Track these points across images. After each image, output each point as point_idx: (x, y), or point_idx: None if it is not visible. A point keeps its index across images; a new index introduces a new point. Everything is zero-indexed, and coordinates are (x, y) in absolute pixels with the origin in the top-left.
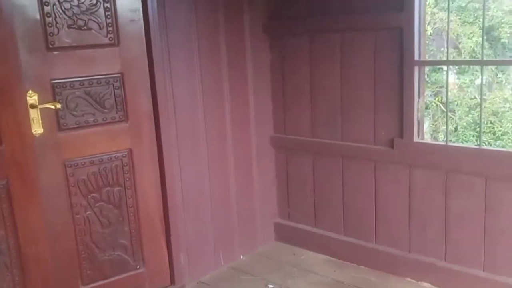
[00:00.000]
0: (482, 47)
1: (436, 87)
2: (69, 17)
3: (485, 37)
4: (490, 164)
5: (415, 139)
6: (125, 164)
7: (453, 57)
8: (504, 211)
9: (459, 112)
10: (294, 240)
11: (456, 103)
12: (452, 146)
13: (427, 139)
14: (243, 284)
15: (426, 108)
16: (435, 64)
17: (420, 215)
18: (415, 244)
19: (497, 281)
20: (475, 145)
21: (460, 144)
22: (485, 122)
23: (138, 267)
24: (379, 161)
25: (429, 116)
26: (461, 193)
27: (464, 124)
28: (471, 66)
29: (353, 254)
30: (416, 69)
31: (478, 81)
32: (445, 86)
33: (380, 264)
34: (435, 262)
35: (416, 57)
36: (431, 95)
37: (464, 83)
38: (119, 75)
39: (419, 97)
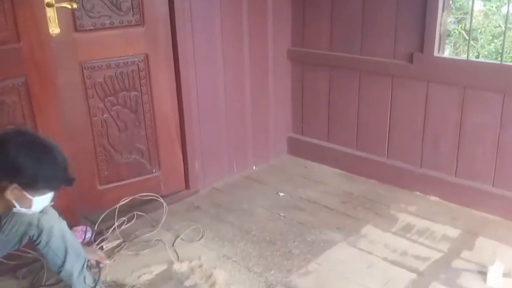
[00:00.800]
0: None
1: (460, 13)
2: None
3: None
4: (509, 80)
5: (436, 53)
6: (141, 69)
7: None
8: None
9: (482, 40)
10: (306, 154)
11: (479, 30)
12: (472, 61)
13: (447, 54)
14: (255, 191)
15: (448, 35)
16: None
17: (434, 131)
18: (427, 159)
19: (505, 196)
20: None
21: (481, 60)
22: (507, 51)
23: (154, 171)
24: (397, 76)
25: (451, 44)
26: (478, 109)
27: (486, 53)
28: None
29: (364, 168)
30: None
31: (504, 9)
32: (469, 12)
33: (390, 178)
34: (445, 177)
35: None
36: (454, 22)
37: (490, 10)
38: None
39: (443, 11)
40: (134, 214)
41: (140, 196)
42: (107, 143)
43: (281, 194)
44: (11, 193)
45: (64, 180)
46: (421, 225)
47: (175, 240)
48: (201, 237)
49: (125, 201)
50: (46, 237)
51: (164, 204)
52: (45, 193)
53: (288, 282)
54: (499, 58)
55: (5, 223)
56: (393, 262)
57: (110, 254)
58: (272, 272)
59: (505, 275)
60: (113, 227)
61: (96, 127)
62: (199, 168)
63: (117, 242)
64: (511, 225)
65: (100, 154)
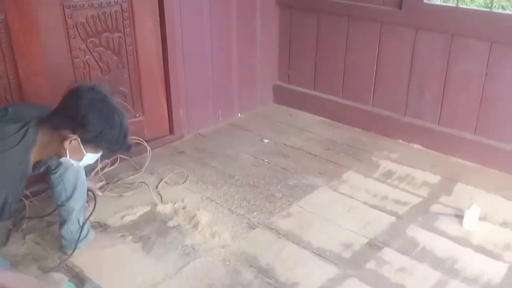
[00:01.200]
0: None
1: None
2: None
3: None
4: (498, 27)
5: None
6: (125, 10)
7: None
8: (504, 77)
9: None
10: (292, 103)
11: None
12: (461, 8)
13: (437, 1)
14: (239, 138)
15: None
16: None
17: (420, 79)
18: (411, 108)
19: (486, 143)
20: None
21: (471, 7)
22: (496, 6)
23: (137, 115)
24: (385, 22)
25: None
26: (464, 57)
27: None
28: None
29: (349, 116)
30: None
31: None
32: None
33: (375, 126)
34: (429, 125)
35: None
36: None
37: None
38: None
39: None
40: (117, 157)
41: None
42: None
43: (266, 141)
44: (70, 143)
45: (122, 145)
46: (402, 172)
47: (158, 183)
48: (185, 181)
49: None
50: (63, 169)
51: (148, 148)
52: (99, 152)
53: (270, 224)
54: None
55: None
56: (373, 206)
57: (97, 201)
58: (255, 214)
59: (481, 218)
60: (96, 169)
61: (78, 69)
62: (184, 114)
63: (100, 184)
64: (489, 171)
65: None
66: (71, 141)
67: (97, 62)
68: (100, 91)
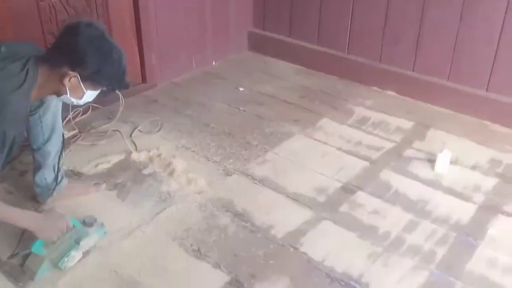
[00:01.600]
0: None
1: None
2: None
3: None
4: None
5: None
6: None
7: None
8: (479, 21)
9: None
10: (267, 50)
11: None
12: None
13: None
14: (214, 86)
15: None
16: None
17: (395, 26)
18: (386, 55)
19: (459, 90)
20: None
21: None
22: None
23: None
24: None
25: None
26: (439, 3)
27: None
28: None
29: (324, 63)
30: None
31: None
32: None
33: (349, 73)
34: (403, 72)
35: None
36: None
37: None
38: None
39: None
40: (89, 106)
41: None
42: (57, 30)
43: (241, 89)
44: (70, 81)
45: (121, 82)
46: (377, 118)
47: (132, 132)
48: (159, 129)
49: None
50: (43, 111)
51: (121, 96)
52: (98, 89)
53: (246, 170)
54: None
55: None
56: (347, 152)
57: (65, 144)
58: (231, 161)
59: (452, 162)
60: (68, 118)
61: (44, 13)
62: (156, 62)
63: (72, 133)
64: (462, 117)
65: (50, 43)
66: (70, 78)
67: (63, 6)
68: (97, 27)
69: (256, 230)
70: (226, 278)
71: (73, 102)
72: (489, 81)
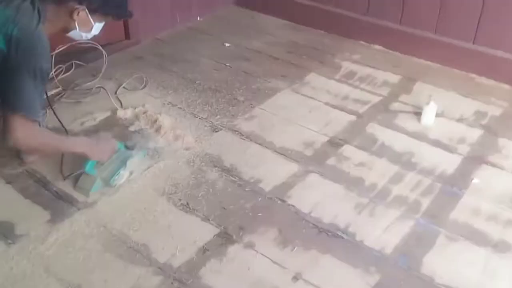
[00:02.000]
0: None
1: None
2: None
3: None
4: None
5: None
6: None
7: None
8: None
9: None
10: (253, 5)
11: None
12: None
13: None
14: (199, 42)
15: None
16: None
17: None
18: (373, 7)
19: (446, 43)
20: None
21: None
22: None
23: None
24: None
25: None
26: None
27: None
28: None
29: (311, 18)
30: None
31: None
32: None
33: (337, 27)
34: (390, 25)
35: None
36: None
37: None
38: None
39: None
40: (72, 64)
41: (77, 42)
42: None
43: (227, 44)
44: (78, 15)
45: (126, 10)
46: (364, 72)
47: (117, 89)
48: (145, 86)
49: (61, 49)
50: None
51: (104, 53)
52: (106, 21)
53: (233, 126)
54: None
55: None
56: (334, 106)
57: (50, 102)
58: (218, 117)
59: (438, 115)
60: (50, 75)
61: None
62: (140, 18)
63: (56, 90)
64: (449, 71)
65: None
66: (79, 12)
67: None
68: None
69: (244, 184)
70: (215, 230)
71: (81, 37)
72: (476, 33)
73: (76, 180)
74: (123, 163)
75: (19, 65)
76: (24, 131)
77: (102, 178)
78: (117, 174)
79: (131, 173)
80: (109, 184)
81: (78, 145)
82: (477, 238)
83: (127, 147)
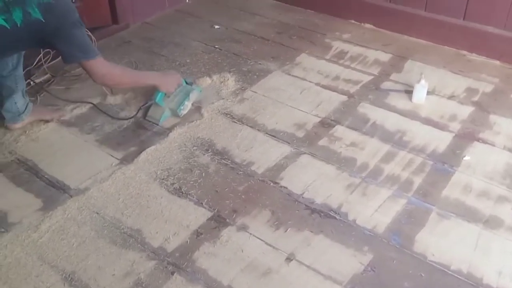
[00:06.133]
0: None
1: None
2: None
3: None
4: None
5: None
6: None
7: None
8: None
9: None
10: None
11: None
12: None
13: None
14: (189, 25)
15: None
16: None
17: None
18: None
19: (436, 20)
20: None
21: None
22: None
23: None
24: None
25: None
26: None
27: None
28: None
29: None
30: None
31: None
32: None
33: (326, 7)
34: (380, 3)
35: None
36: None
37: None
38: None
39: None
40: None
41: None
42: None
43: (216, 27)
44: None
45: None
46: (354, 52)
47: None
48: None
49: None
50: None
51: (93, 38)
52: None
53: (224, 109)
54: None
55: None
56: (326, 87)
57: (39, 89)
58: (209, 100)
59: (429, 92)
60: (39, 62)
61: None
62: (127, 2)
63: (45, 77)
64: (439, 48)
65: None
66: None
67: None
68: None
69: (237, 167)
70: (208, 214)
71: None
72: (466, 9)
73: (146, 110)
74: (186, 95)
75: (63, 25)
76: (103, 69)
77: (170, 108)
78: (183, 104)
79: (192, 104)
80: (176, 113)
81: (151, 77)
82: (469, 215)
83: (187, 83)
